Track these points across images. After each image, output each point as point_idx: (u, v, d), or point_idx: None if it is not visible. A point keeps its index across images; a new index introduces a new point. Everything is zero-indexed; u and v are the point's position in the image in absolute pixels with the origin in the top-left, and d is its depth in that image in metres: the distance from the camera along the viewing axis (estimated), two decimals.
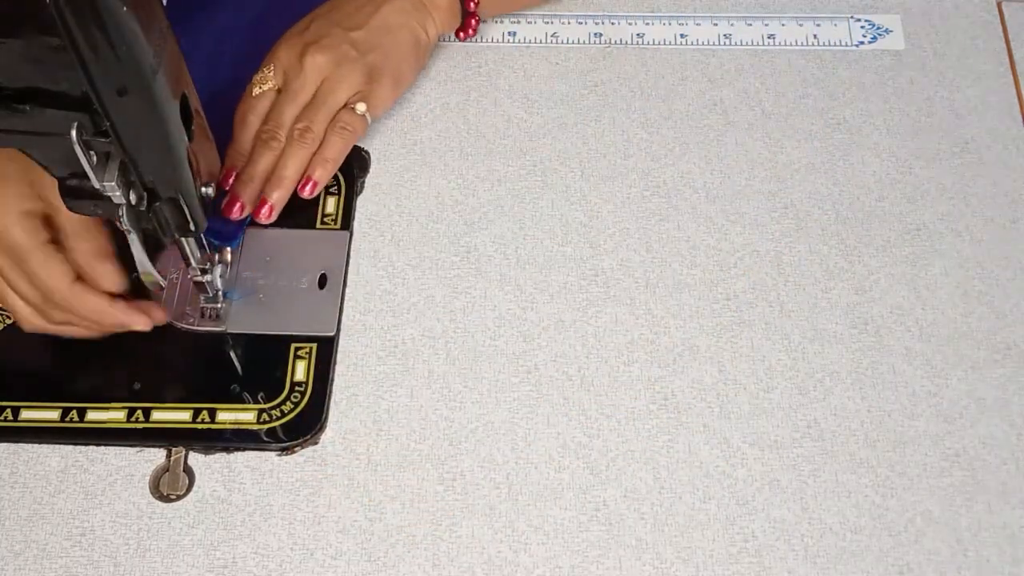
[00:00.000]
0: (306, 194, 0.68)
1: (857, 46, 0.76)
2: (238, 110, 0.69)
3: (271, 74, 0.69)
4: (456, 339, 0.65)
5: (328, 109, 0.68)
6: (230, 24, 0.77)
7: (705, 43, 0.76)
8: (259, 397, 0.63)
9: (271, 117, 0.68)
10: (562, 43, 0.77)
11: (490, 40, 0.77)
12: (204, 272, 0.62)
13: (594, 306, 0.66)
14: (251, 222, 0.67)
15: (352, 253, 0.68)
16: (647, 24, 0.77)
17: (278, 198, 0.67)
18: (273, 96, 0.69)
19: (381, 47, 0.69)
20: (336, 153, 0.68)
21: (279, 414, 0.62)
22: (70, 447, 0.62)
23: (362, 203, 0.70)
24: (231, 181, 0.67)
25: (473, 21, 0.73)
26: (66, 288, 0.59)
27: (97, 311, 0.60)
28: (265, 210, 0.66)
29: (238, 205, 0.66)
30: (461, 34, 0.74)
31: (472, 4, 0.72)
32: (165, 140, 0.52)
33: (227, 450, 0.62)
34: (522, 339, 0.65)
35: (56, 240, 0.59)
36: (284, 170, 0.67)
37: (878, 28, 0.77)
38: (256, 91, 0.69)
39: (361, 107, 0.69)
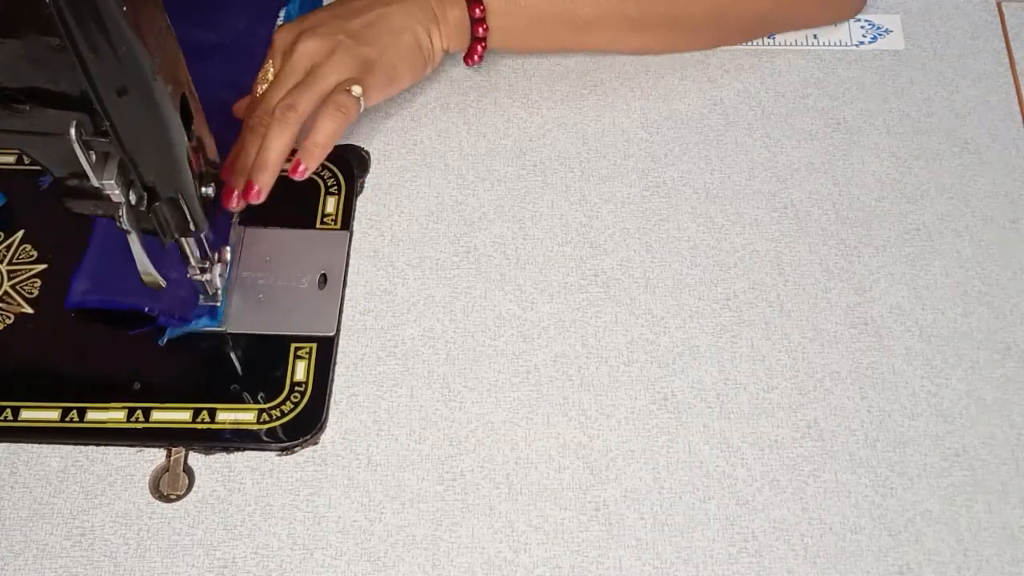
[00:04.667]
0: (296, 177, 0.65)
1: (857, 46, 0.76)
2: (246, 108, 0.68)
3: (271, 68, 0.68)
4: (456, 339, 0.65)
5: (315, 91, 0.65)
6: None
7: None
8: (259, 397, 0.63)
9: (258, 101, 0.66)
10: None
11: None
12: (203, 272, 0.62)
13: (594, 306, 0.66)
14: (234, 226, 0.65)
15: (352, 253, 0.68)
16: None
17: (264, 181, 0.64)
18: None
19: (379, 42, 0.68)
20: (327, 137, 0.65)
21: (279, 414, 0.62)
22: (70, 447, 0.62)
23: (362, 203, 0.70)
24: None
25: (479, 47, 0.71)
26: None
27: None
28: (253, 193, 0.64)
29: (234, 195, 0.64)
30: (467, 60, 0.73)
31: (481, 29, 0.70)
32: (165, 140, 0.52)
33: (227, 450, 0.62)
34: (522, 339, 0.65)
35: None
36: (266, 152, 0.64)
37: (878, 28, 0.77)
38: (259, 89, 0.68)
39: (357, 89, 0.66)
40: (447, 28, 0.70)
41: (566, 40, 0.73)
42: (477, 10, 0.69)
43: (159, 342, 0.63)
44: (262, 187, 0.64)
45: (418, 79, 0.71)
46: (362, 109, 0.67)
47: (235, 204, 0.64)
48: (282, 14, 0.77)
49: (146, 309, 0.63)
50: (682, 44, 0.75)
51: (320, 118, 0.65)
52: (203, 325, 0.63)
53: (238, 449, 0.62)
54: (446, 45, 0.71)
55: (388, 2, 0.69)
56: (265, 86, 0.68)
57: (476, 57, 0.72)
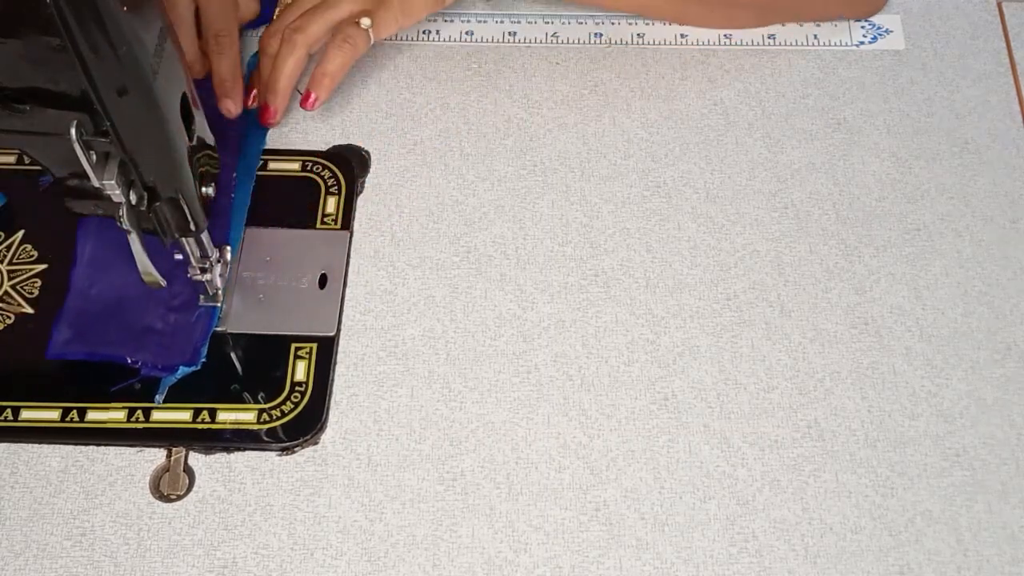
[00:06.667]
0: (307, 108, 0.69)
1: (857, 46, 0.76)
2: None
3: None
4: (456, 339, 0.65)
5: (326, 17, 0.69)
6: None
7: (705, 43, 0.76)
8: (259, 397, 0.63)
9: (272, 24, 0.71)
10: (562, 43, 0.77)
11: (490, 40, 0.77)
12: (203, 271, 0.62)
13: (594, 306, 0.66)
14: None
15: (352, 253, 0.68)
16: (647, 24, 0.77)
17: (278, 104, 0.69)
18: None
19: None
20: (335, 67, 0.68)
21: (279, 414, 0.62)
22: (70, 447, 0.62)
23: (362, 203, 0.70)
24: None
25: None
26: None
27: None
28: (269, 113, 0.69)
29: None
30: None
31: None
32: (165, 140, 0.52)
33: (227, 450, 0.62)
34: (522, 339, 0.65)
35: None
36: (276, 73, 0.68)
37: (878, 28, 0.77)
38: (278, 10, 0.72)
39: (366, 21, 0.68)
40: None
41: None
42: None
43: (156, 400, 0.62)
44: (276, 108, 0.70)
45: (435, 10, 0.72)
46: (372, 42, 0.69)
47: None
48: None
49: (129, 360, 0.63)
50: (722, 20, 0.76)
51: (328, 49, 0.69)
52: (183, 373, 0.63)
53: (238, 449, 0.62)
54: None
55: None
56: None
57: None
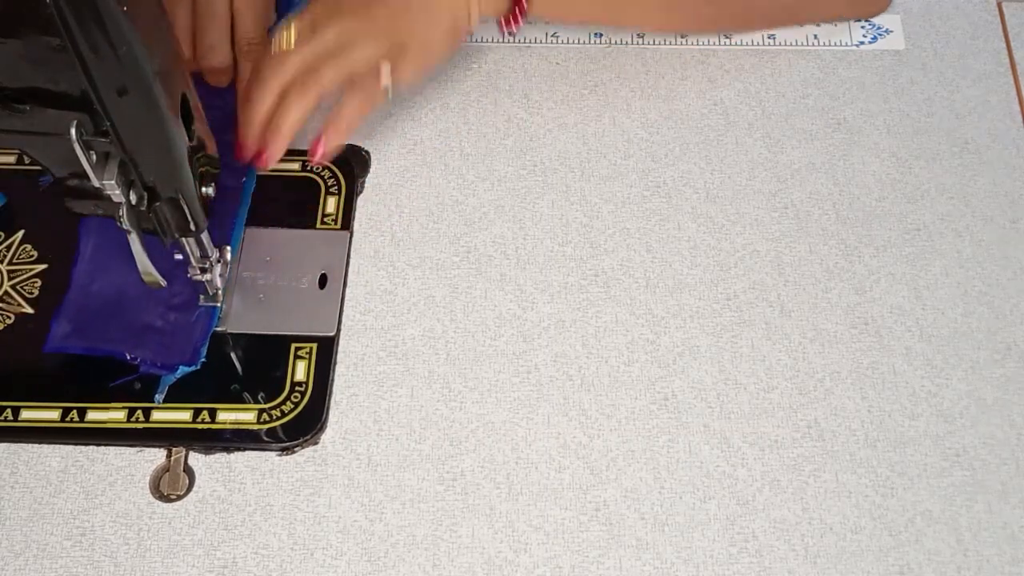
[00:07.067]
0: (315, 161, 0.65)
1: (857, 46, 0.76)
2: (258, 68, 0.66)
3: (292, 30, 0.64)
4: (456, 339, 0.65)
5: (342, 65, 0.63)
6: None
7: (705, 43, 0.76)
8: (259, 397, 0.63)
9: (277, 59, 0.64)
10: (562, 43, 0.77)
11: (490, 40, 0.77)
12: (203, 271, 0.62)
13: (594, 306, 0.66)
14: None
15: (352, 253, 0.68)
16: None
17: (274, 151, 0.64)
18: None
19: (416, 24, 0.65)
20: (350, 119, 0.65)
21: (279, 414, 0.62)
22: (70, 447, 0.62)
23: (362, 203, 0.70)
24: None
25: (519, 11, 0.67)
26: None
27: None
28: (262, 160, 0.64)
29: (243, 148, 0.64)
30: (506, 25, 0.68)
31: None
32: (165, 140, 0.52)
33: (227, 450, 0.62)
34: (522, 339, 0.65)
35: None
36: (283, 118, 0.63)
37: (878, 28, 0.77)
38: (275, 50, 0.64)
39: (386, 79, 0.64)
40: None
41: (601, 14, 0.72)
42: None
43: (156, 399, 0.62)
44: (271, 156, 0.64)
45: (452, 53, 0.70)
46: (390, 95, 0.65)
47: (244, 160, 0.64)
48: None
49: (128, 357, 0.63)
50: (710, 25, 0.75)
51: (345, 100, 0.64)
52: (182, 372, 0.63)
53: (238, 449, 0.62)
54: (483, 13, 0.68)
55: None
56: (282, 36, 0.64)
57: (515, 23, 0.68)
